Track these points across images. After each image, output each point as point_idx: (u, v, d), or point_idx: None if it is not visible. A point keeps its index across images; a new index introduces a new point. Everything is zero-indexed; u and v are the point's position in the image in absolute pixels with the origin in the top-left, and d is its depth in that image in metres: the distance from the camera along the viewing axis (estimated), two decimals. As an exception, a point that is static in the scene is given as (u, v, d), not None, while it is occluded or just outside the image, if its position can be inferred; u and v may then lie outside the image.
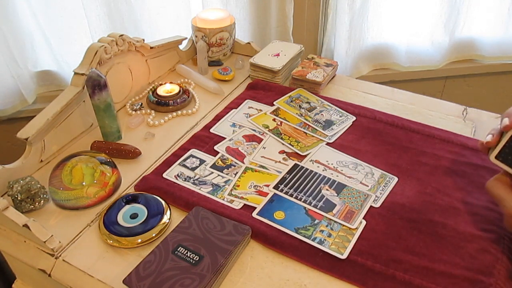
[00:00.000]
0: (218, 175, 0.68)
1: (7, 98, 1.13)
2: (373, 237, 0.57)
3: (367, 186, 0.65)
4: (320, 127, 0.77)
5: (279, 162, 0.70)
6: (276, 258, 0.56)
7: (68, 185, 0.62)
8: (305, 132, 0.76)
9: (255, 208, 0.62)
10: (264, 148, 0.73)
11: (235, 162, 0.70)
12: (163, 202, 0.63)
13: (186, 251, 0.54)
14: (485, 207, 0.61)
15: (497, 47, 1.32)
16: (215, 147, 0.73)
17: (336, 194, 0.64)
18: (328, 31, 1.24)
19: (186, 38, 0.95)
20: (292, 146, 0.73)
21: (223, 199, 0.63)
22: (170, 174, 0.68)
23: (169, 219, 0.61)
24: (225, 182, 0.66)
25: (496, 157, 0.55)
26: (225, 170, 0.68)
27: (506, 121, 0.53)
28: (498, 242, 0.56)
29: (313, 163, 0.70)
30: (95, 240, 0.59)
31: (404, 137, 0.75)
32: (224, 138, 0.75)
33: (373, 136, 0.75)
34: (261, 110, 0.82)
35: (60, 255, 0.57)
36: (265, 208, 0.61)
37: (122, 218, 0.60)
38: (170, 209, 0.62)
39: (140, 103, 0.84)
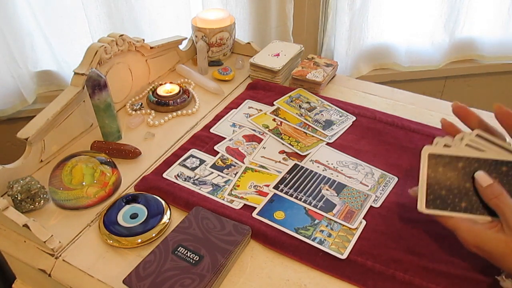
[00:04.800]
0: (218, 175, 0.68)
1: (7, 98, 1.13)
2: (373, 237, 0.57)
3: (367, 186, 0.65)
4: (320, 127, 0.77)
5: (279, 162, 0.70)
6: (276, 258, 0.56)
7: (68, 185, 0.62)
8: (305, 132, 0.76)
9: (255, 208, 0.62)
10: (264, 148, 0.73)
11: (235, 162, 0.70)
12: (163, 202, 0.63)
13: (186, 251, 0.54)
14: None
15: (497, 47, 1.32)
16: (215, 147, 0.73)
17: (336, 194, 0.64)
18: (328, 31, 1.24)
19: (186, 38, 0.95)
20: (292, 146, 0.73)
21: (223, 199, 0.63)
22: (170, 174, 0.68)
23: (169, 219, 0.61)
24: (225, 182, 0.66)
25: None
26: (225, 170, 0.68)
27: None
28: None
29: (313, 163, 0.70)
30: (95, 240, 0.59)
31: (404, 137, 0.75)
32: (224, 138, 0.75)
33: (373, 136, 0.75)
34: (261, 110, 0.82)
35: (60, 255, 0.57)
36: (265, 208, 0.61)
37: (122, 218, 0.60)
38: (170, 209, 0.62)
39: (140, 103, 0.84)
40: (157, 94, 0.84)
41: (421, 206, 0.51)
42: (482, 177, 0.49)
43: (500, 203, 0.47)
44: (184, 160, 0.71)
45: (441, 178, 0.51)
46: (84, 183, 0.62)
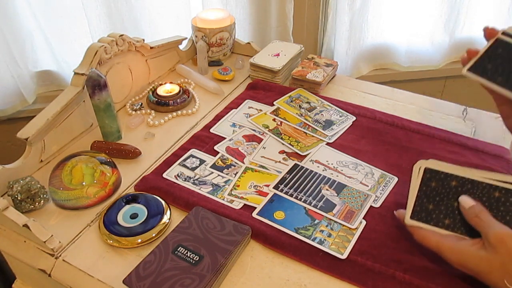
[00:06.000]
0: (218, 175, 0.68)
1: (7, 98, 1.13)
2: (373, 237, 0.57)
3: (367, 186, 0.65)
4: (320, 127, 0.77)
5: (279, 162, 0.70)
6: (276, 258, 0.56)
7: (68, 185, 0.62)
8: (305, 132, 0.76)
9: (255, 208, 0.62)
10: (264, 148, 0.73)
11: (235, 162, 0.70)
12: (163, 202, 0.63)
13: (186, 251, 0.54)
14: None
15: (497, 47, 1.32)
16: (215, 147, 0.73)
17: (336, 194, 0.64)
18: (328, 31, 1.24)
19: (186, 38, 0.95)
20: (292, 146, 0.73)
21: (223, 199, 0.63)
22: (170, 174, 0.68)
23: (169, 219, 0.61)
24: (225, 182, 0.66)
25: (469, 69, 0.54)
26: (225, 170, 0.68)
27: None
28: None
29: (313, 163, 0.70)
30: (95, 240, 0.59)
31: (404, 137, 0.75)
32: (224, 138, 0.75)
33: (373, 136, 0.75)
34: (261, 110, 0.82)
35: (60, 255, 0.57)
36: (265, 208, 0.61)
37: (122, 218, 0.60)
38: (170, 209, 0.62)
39: (140, 103, 0.84)
40: (157, 94, 0.84)
41: (407, 217, 0.52)
42: (465, 200, 0.51)
43: (480, 220, 0.48)
44: (184, 160, 0.71)
45: (431, 193, 0.52)
46: (84, 183, 0.62)
